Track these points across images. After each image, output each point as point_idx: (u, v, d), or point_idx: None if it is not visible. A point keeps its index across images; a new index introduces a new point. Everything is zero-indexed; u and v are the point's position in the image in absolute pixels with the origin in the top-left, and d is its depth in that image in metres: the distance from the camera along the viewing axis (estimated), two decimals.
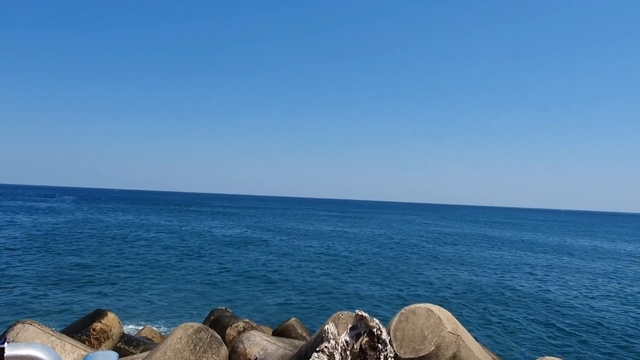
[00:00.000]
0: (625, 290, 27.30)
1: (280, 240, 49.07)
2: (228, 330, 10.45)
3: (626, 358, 14.53)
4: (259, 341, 7.65)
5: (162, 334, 13.21)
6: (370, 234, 64.36)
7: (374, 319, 4.93)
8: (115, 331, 8.91)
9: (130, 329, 14.89)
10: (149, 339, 11.43)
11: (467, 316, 18.87)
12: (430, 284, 26.68)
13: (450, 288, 25.47)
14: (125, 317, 16.28)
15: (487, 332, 16.69)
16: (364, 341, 4.55)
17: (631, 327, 18.38)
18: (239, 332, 10.20)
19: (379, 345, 4.33)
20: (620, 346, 15.77)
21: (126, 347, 9.03)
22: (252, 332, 8.08)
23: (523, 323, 18.23)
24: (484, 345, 10.29)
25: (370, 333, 4.50)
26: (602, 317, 19.92)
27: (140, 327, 14.41)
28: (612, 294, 25.69)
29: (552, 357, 9.12)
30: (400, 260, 36.29)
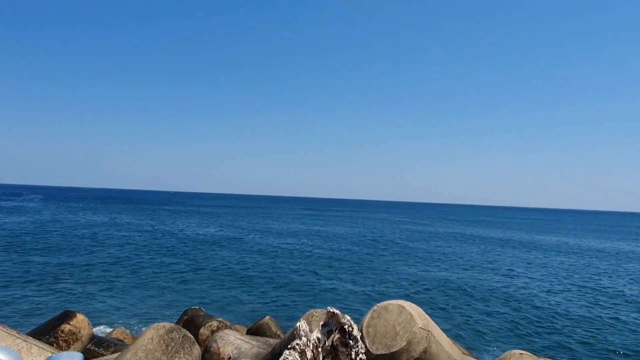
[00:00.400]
0: (587, 284, 28.28)
1: (255, 238, 48.84)
2: (201, 330, 10.37)
3: (588, 349, 15.09)
4: (232, 340, 7.62)
5: (134, 335, 13.00)
6: (344, 232, 64.73)
7: (346, 315, 4.99)
8: (84, 333, 8.72)
9: (100, 330, 14.59)
10: (120, 340, 11.23)
11: (438, 312, 19.24)
12: (402, 280, 27.05)
13: (421, 284, 25.88)
14: (95, 319, 15.93)
15: (457, 327, 17.07)
16: (335, 338, 4.60)
17: (592, 319, 19.08)
18: (213, 332, 10.14)
19: (350, 341, 4.39)
20: (582, 337, 16.36)
21: (96, 349, 8.86)
22: (226, 331, 8.05)
23: (491, 318, 18.71)
24: (454, 340, 10.52)
25: (342, 330, 4.56)
26: (565, 310, 20.60)
27: (111, 329, 14.14)
28: (574, 288, 26.58)
29: (518, 351, 9.40)
30: (373, 258, 36.64)
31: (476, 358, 9.66)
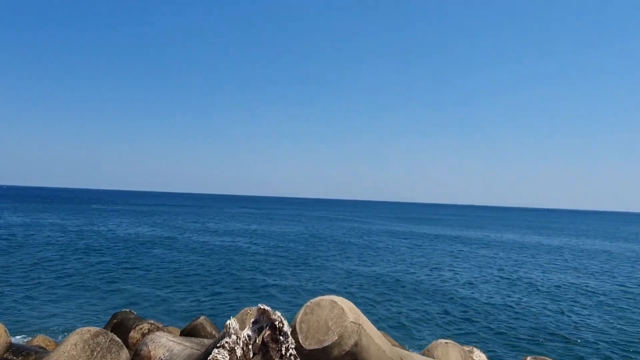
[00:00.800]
0: (505, 275, 30.40)
1: (190, 237, 47.61)
2: (131, 333, 10.04)
3: (511, 337, 16.27)
4: (164, 342, 7.47)
5: (57, 342, 12.29)
6: (281, 230, 64.79)
7: (276, 312, 5.09)
8: (1, 341, 8.16)
9: (20, 339, 13.63)
10: (42, 347, 10.59)
11: (369, 306, 19.90)
12: (336, 276, 27.63)
13: (354, 279, 26.59)
14: (14, 326, 14.84)
15: (387, 319, 17.79)
16: (265, 334, 4.69)
17: (510, 308, 20.57)
18: (144, 335, 9.85)
19: (281, 337, 4.49)
20: (501, 325, 17.61)
21: (14, 358, 8.32)
22: (158, 333, 7.87)
23: (419, 310, 19.64)
24: (384, 332, 10.97)
25: (273, 326, 4.65)
26: (487, 300, 22.05)
27: (32, 337, 13.27)
28: (494, 279, 28.47)
29: (444, 340, 9.98)
30: (308, 255, 37.03)
31: (404, 348, 10.12)
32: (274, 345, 4.34)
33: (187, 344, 7.54)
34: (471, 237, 65.13)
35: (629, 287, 27.48)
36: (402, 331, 16.27)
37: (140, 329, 10.09)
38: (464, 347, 10.57)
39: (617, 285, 28.07)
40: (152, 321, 10.82)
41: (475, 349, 11.13)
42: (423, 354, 9.33)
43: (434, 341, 10.05)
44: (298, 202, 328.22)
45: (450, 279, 28.15)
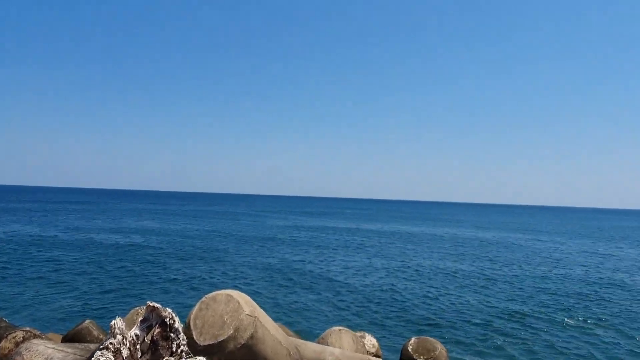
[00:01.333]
0: (399, 264, 32.62)
1: (71, 234, 43.75)
2: (2, 343, 9.07)
3: (399, 321, 17.52)
4: (42, 350, 6.87)
5: None
6: (181, 226, 62.50)
7: (167, 309, 4.98)
8: None
9: None
10: None
11: (266, 298, 20.13)
12: (233, 270, 27.45)
13: (251, 273, 26.64)
14: None
15: (283, 311, 18.17)
16: (155, 332, 4.58)
17: (403, 295, 22.17)
18: (18, 343, 8.95)
19: (172, 334, 4.42)
20: (391, 311, 18.92)
21: None
22: (34, 341, 7.21)
23: (314, 300, 20.34)
24: (281, 324, 11.21)
25: (163, 323, 4.55)
26: (379, 289, 23.50)
27: None
28: (389, 269, 30.42)
29: (337, 327, 10.48)
30: (205, 250, 36.22)
31: (300, 337, 10.45)
32: (164, 343, 4.26)
33: (70, 350, 7.02)
34: (366, 229, 68.53)
35: (493, 270, 31.04)
36: (298, 321, 16.70)
37: (14, 337, 9.15)
38: (357, 333, 11.20)
39: (486, 270, 31.51)
40: (27, 328, 9.86)
41: (366, 334, 11.85)
42: (318, 342, 9.71)
43: (328, 329, 10.51)
44: (204, 197, 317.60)
45: (343, 268, 29.41)
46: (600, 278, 28.93)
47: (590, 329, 17.10)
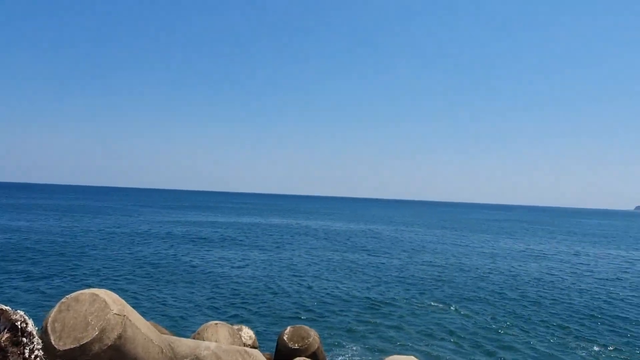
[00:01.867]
0: (275, 257, 33.11)
1: None
2: None
3: (275, 312, 17.82)
4: None
5: None
6: (44, 221, 55.76)
7: (18, 311, 4.45)
8: None
9: None
10: None
11: (138, 295, 19.00)
12: (103, 267, 25.42)
13: (122, 270, 24.98)
14: None
15: (158, 308, 17.37)
16: (3, 338, 4.07)
17: (279, 287, 22.58)
18: None
19: (24, 339, 3.97)
20: (270, 304, 19.20)
21: None
22: None
23: (190, 295, 19.82)
24: (154, 322, 10.70)
25: (14, 327, 4.06)
26: (256, 282, 23.67)
27: None
28: (266, 262, 30.72)
29: (214, 321, 10.34)
30: (68, 246, 32.85)
31: (174, 334, 10.10)
32: (14, 349, 3.79)
33: None
34: (246, 222, 68.17)
35: (363, 259, 33.24)
36: (173, 317, 16.08)
37: None
38: (234, 326, 11.16)
39: (357, 259, 33.55)
40: None
41: (244, 327, 11.87)
42: (194, 338, 9.48)
43: (204, 324, 10.30)
44: (72, 190, 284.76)
45: (220, 262, 28.98)
46: (450, 264, 32.67)
47: (444, 309, 19.31)
